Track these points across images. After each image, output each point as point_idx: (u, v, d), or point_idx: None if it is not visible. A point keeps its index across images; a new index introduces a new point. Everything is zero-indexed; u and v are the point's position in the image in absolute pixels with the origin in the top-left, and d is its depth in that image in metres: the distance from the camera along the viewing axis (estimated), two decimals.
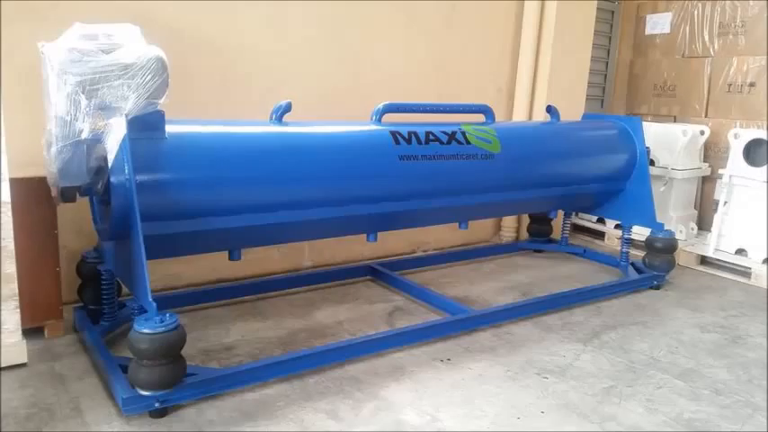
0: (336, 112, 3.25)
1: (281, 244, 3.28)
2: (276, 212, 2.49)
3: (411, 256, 4.03)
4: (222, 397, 2.18)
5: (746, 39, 4.51)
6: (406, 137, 2.80)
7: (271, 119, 2.61)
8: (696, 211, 4.69)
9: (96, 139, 2.06)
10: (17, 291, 2.30)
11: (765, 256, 3.83)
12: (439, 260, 3.97)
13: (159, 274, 3.06)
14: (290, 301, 3.19)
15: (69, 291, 2.72)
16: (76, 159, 2.10)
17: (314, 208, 2.59)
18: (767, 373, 2.58)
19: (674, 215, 4.40)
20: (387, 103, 2.90)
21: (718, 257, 4.04)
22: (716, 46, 4.71)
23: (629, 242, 3.83)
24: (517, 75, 4.40)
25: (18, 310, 2.31)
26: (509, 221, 4.55)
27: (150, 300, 2.00)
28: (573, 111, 4.17)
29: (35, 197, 2.43)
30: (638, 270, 3.69)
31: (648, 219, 3.67)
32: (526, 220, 4.42)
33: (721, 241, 4.05)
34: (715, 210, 4.12)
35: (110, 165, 2.03)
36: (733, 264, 3.96)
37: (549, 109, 3.64)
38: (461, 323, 2.85)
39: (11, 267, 2.27)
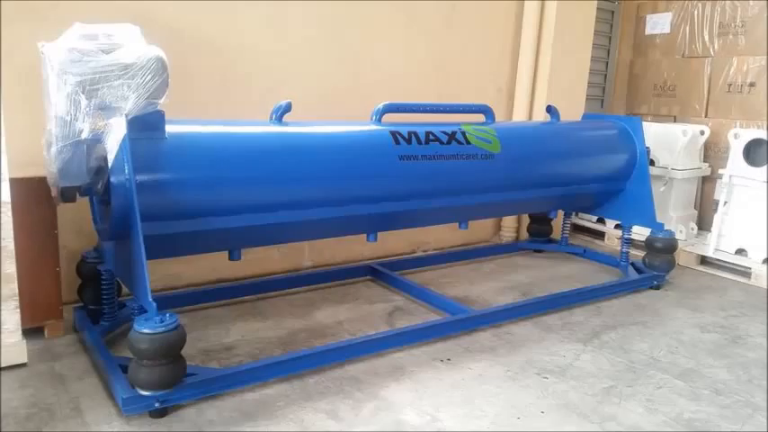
0: (336, 112, 3.25)
1: (281, 244, 3.28)
2: (276, 212, 2.49)
3: (411, 256, 4.03)
4: (222, 397, 2.18)
5: (746, 39, 4.51)
6: (406, 137, 2.80)
7: (271, 119, 2.61)
8: (696, 211, 4.69)
9: (96, 139, 2.06)
10: (17, 291, 2.30)
11: (765, 256, 3.83)
12: (439, 260, 3.97)
13: (159, 274, 3.06)
14: (290, 301, 3.19)
15: (69, 291, 2.72)
16: (76, 159, 2.10)
17: (314, 208, 2.59)
18: (767, 373, 2.59)
19: (674, 215, 4.40)
20: (387, 103, 2.90)
21: (718, 257, 4.04)
22: (716, 46, 4.71)
23: (629, 242, 3.83)
24: (517, 75, 4.40)
25: (18, 310, 2.31)
26: (509, 221, 4.55)
27: (150, 300, 2.00)
28: (573, 111, 4.17)
29: (35, 197, 2.43)
30: (638, 270, 3.69)
31: (648, 219, 3.67)
32: (526, 220, 4.42)
33: (721, 241, 4.05)
34: (715, 210, 4.12)
35: (110, 165, 2.03)
36: (733, 264, 3.96)
37: (549, 109, 3.64)
38: (461, 323, 2.85)
39: (11, 267, 2.27)
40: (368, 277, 3.59)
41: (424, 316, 3.04)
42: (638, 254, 3.98)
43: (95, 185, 2.19)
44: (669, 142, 4.35)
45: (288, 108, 2.60)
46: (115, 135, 2.00)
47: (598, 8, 4.61)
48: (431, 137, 2.87)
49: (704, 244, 4.25)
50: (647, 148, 3.76)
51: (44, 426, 1.97)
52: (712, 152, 4.65)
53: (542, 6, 4.27)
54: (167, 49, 2.10)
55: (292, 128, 2.61)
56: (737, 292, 3.66)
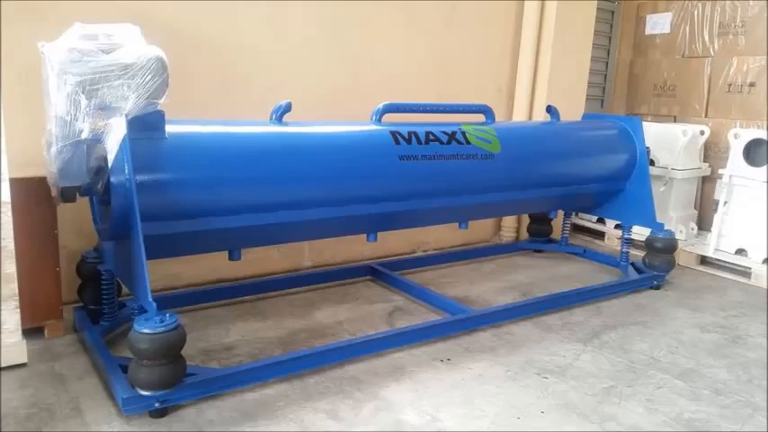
0: (336, 112, 3.25)
1: (281, 244, 3.28)
2: (276, 212, 2.49)
3: (411, 256, 4.03)
4: (222, 397, 2.18)
5: (746, 39, 4.51)
6: (406, 137, 2.80)
7: (271, 119, 2.61)
8: (696, 211, 4.69)
9: (96, 139, 2.06)
10: (17, 291, 2.30)
11: (765, 256, 3.83)
12: (439, 260, 3.97)
13: (159, 274, 3.06)
14: (290, 301, 3.19)
15: (69, 291, 2.72)
16: (76, 159, 2.11)
17: (314, 208, 2.59)
18: (767, 373, 2.58)
19: (674, 215, 4.40)
20: (387, 103, 2.90)
21: (718, 257, 4.04)
22: (716, 46, 4.71)
23: (629, 242, 3.83)
24: (517, 75, 4.40)
25: (18, 310, 2.31)
26: (509, 221, 4.55)
27: (150, 300, 2.00)
28: (573, 111, 4.17)
29: (35, 197, 2.43)
30: (638, 270, 3.69)
31: (648, 219, 3.67)
32: (526, 220, 4.42)
33: (721, 241, 4.05)
34: (715, 210, 4.12)
35: (110, 165, 2.03)
36: (733, 264, 3.96)
37: (549, 109, 3.64)
38: (461, 323, 2.85)
39: (11, 267, 2.27)
40: (368, 277, 3.59)
41: (424, 316, 3.04)
42: (638, 254, 3.98)
43: (95, 185, 2.19)
44: (669, 142, 4.35)
45: (288, 108, 2.60)
46: (115, 135, 2.00)
47: (598, 8, 4.61)
48: (431, 137, 2.87)
49: (704, 244, 4.25)
50: (647, 148, 3.76)
51: (44, 426, 1.97)
52: (712, 152, 4.65)
53: (542, 6, 4.28)
54: (167, 49, 2.10)
55: (292, 128, 2.61)
56: (737, 292, 3.66)
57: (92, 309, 2.64)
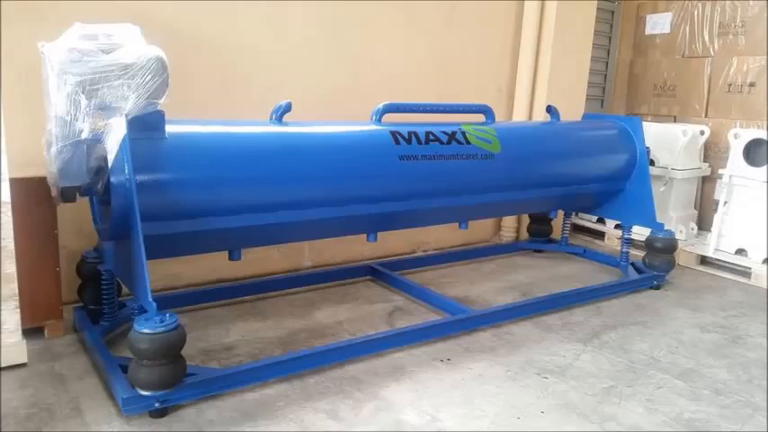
0: (336, 112, 3.25)
1: (281, 244, 3.28)
2: (276, 212, 2.49)
3: (411, 256, 4.03)
4: (222, 397, 2.18)
5: (746, 39, 4.51)
6: (406, 137, 2.80)
7: (271, 119, 2.61)
8: (696, 211, 4.69)
9: (96, 139, 2.06)
10: (17, 291, 2.30)
11: (765, 256, 3.83)
12: (439, 260, 3.97)
13: (159, 274, 3.06)
14: (290, 301, 3.19)
15: (69, 291, 2.72)
16: (76, 159, 2.11)
17: (314, 208, 2.59)
18: (767, 373, 2.58)
19: (674, 215, 4.40)
20: (387, 103, 2.90)
21: (718, 257, 4.04)
22: (716, 46, 4.71)
23: (629, 242, 3.83)
24: (517, 75, 4.40)
25: (18, 310, 2.31)
26: (509, 221, 4.55)
27: (150, 300, 2.00)
28: (573, 111, 4.17)
29: (35, 197, 2.43)
30: (638, 270, 3.69)
31: (648, 219, 3.67)
32: (526, 220, 4.42)
33: (721, 241, 4.05)
34: (715, 210, 4.12)
35: (110, 165, 2.03)
36: (733, 264, 3.96)
37: (549, 109, 3.64)
38: (461, 323, 2.85)
39: (11, 267, 2.27)
40: (368, 277, 3.59)
41: (424, 316, 3.04)
42: (638, 254, 3.98)
43: (95, 185, 2.19)
44: (669, 142, 4.35)
45: (288, 108, 2.60)
46: (115, 135, 2.00)
47: (598, 8, 4.61)
48: (431, 137, 2.87)
49: (704, 244, 4.25)
50: (647, 148, 3.76)
51: (44, 426, 1.97)
52: (712, 152, 4.65)
53: (542, 6, 4.28)
54: (167, 49, 2.10)
55: (292, 128, 2.61)
56: (737, 292, 3.66)
57: (92, 309, 2.64)
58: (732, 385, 2.47)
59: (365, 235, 2.93)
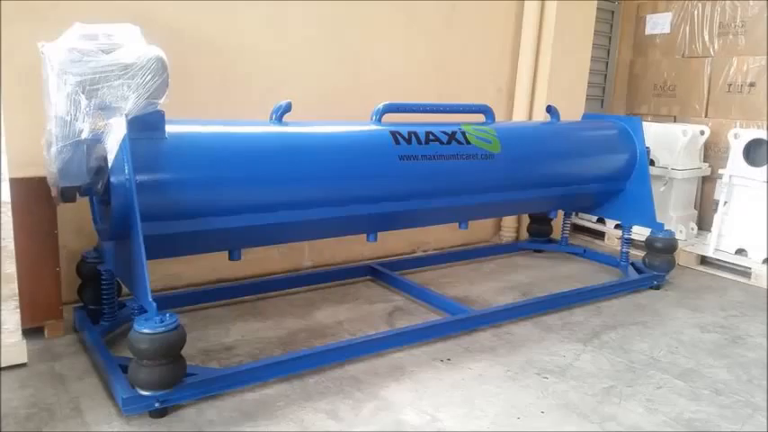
0: (336, 112, 3.25)
1: (281, 244, 3.28)
2: (276, 212, 2.49)
3: (411, 256, 4.03)
4: (222, 397, 2.18)
5: (746, 39, 4.51)
6: (406, 137, 2.80)
7: (271, 119, 2.61)
8: (696, 211, 4.69)
9: (96, 139, 2.06)
10: (17, 291, 2.30)
11: (765, 256, 3.83)
12: (439, 260, 3.97)
13: (159, 274, 3.06)
14: (290, 301, 3.19)
15: (69, 291, 2.72)
16: (76, 159, 2.11)
17: (314, 208, 2.59)
18: (767, 373, 2.58)
19: (674, 215, 4.40)
20: (387, 103, 2.90)
21: (718, 257, 4.04)
22: (716, 46, 4.71)
23: (629, 242, 3.83)
24: (517, 75, 4.40)
25: (18, 310, 2.31)
26: (509, 221, 4.55)
27: (150, 300, 2.00)
28: (573, 111, 4.17)
29: (35, 197, 2.43)
30: (638, 270, 3.69)
31: (648, 219, 3.67)
32: (526, 220, 4.42)
33: (721, 241, 4.05)
34: (715, 210, 4.12)
35: (110, 165, 2.03)
36: (733, 264, 3.96)
37: (549, 109, 3.64)
38: (461, 323, 2.85)
39: (11, 267, 2.27)
40: (368, 277, 3.59)
41: (424, 316, 3.04)
42: (638, 254, 3.98)
43: (95, 185, 2.19)
44: (669, 142, 4.35)
45: (288, 108, 2.60)
46: (115, 135, 2.00)
47: (598, 8, 4.61)
48: (431, 137, 2.87)
49: (704, 244, 4.25)
50: (647, 148, 3.76)
51: (44, 426, 1.97)
52: (712, 152, 4.65)
53: (542, 6, 4.28)
54: (167, 49, 2.10)
55: (292, 128, 2.61)
56: (737, 292, 3.66)
57: (92, 309, 2.64)
58: (732, 385, 2.47)
59: (365, 235, 2.93)
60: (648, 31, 5.23)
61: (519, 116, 4.40)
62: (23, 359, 2.34)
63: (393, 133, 2.79)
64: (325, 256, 3.71)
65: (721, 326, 3.11)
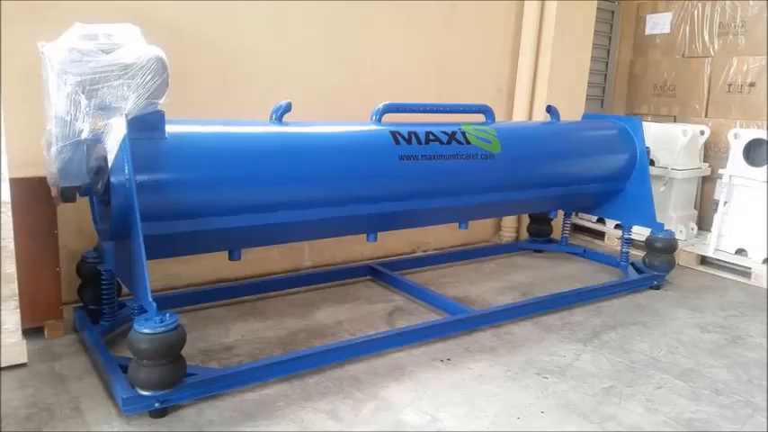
0: (336, 112, 3.25)
1: (281, 244, 3.28)
2: (276, 212, 2.49)
3: (411, 256, 4.03)
4: (222, 397, 2.18)
5: (746, 39, 4.51)
6: (406, 137, 2.80)
7: (271, 119, 2.61)
8: (696, 211, 4.69)
9: (96, 139, 2.06)
10: (17, 291, 2.30)
11: (765, 256, 3.83)
12: (439, 260, 3.97)
13: (159, 274, 3.06)
14: (290, 301, 3.19)
15: (69, 291, 2.72)
16: (76, 159, 2.11)
17: (314, 208, 2.59)
18: (767, 373, 2.58)
19: (674, 215, 4.40)
20: (387, 103, 2.90)
21: (718, 257, 4.04)
22: (716, 46, 4.71)
23: (629, 242, 3.83)
24: (517, 75, 4.40)
25: (18, 310, 2.31)
26: (509, 221, 4.55)
27: (150, 300, 2.00)
28: (573, 111, 4.17)
29: (35, 197, 2.43)
30: (638, 270, 3.69)
31: (648, 219, 3.67)
32: (526, 220, 4.42)
33: (721, 241, 4.05)
34: (715, 210, 4.12)
35: (110, 165, 2.03)
36: (733, 264, 3.96)
37: (549, 109, 3.64)
38: (461, 323, 2.85)
39: (11, 267, 2.27)
40: (368, 277, 3.59)
41: (424, 316, 3.04)
42: (638, 254, 3.98)
43: (95, 185, 2.19)
44: (669, 142, 4.35)
45: (288, 108, 2.60)
46: (115, 135, 2.00)
47: (598, 8, 4.61)
48: (431, 137, 2.87)
49: (704, 244, 4.25)
50: (647, 148, 3.76)
51: (44, 426, 1.97)
52: (712, 152, 4.65)
53: (542, 6, 4.28)
54: (167, 49, 2.10)
55: (292, 128, 2.61)
56: (737, 292, 3.66)
57: (92, 309, 2.64)
58: (732, 385, 2.47)
59: (365, 235, 2.93)
60: (648, 31, 5.23)
61: (519, 116, 4.40)
62: (23, 359, 2.34)
63: (393, 133, 2.79)
64: (325, 256, 3.72)
65: (721, 326, 3.11)
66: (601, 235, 4.74)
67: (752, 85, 4.45)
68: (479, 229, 4.49)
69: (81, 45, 1.98)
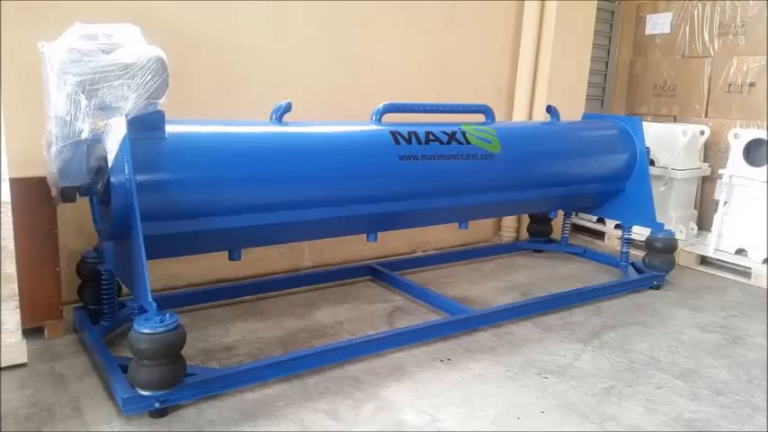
0: (336, 112, 3.25)
1: (281, 244, 3.28)
2: (276, 212, 2.49)
3: (411, 256, 4.03)
4: (222, 397, 2.18)
5: (746, 39, 4.51)
6: (406, 137, 2.80)
7: (271, 119, 2.61)
8: (696, 211, 4.69)
9: (96, 139, 2.06)
10: (17, 291, 2.30)
11: (765, 256, 3.83)
12: (439, 260, 3.97)
13: (159, 274, 3.06)
14: (290, 301, 3.19)
15: (69, 291, 2.72)
16: (76, 159, 2.11)
17: (314, 208, 2.59)
18: (767, 373, 2.58)
19: (674, 215, 4.40)
20: (387, 103, 2.90)
21: (718, 257, 4.04)
22: (716, 46, 4.71)
23: (629, 242, 3.83)
24: (517, 75, 4.40)
25: (18, 310, 2.31)
26: (509, 221, 4.55)
27: (150, 300, 2.00)
28: (573, 111, 4.17)
29: (35, 197, 2.43)
30: (638, 270, 3.69)
31: (648, 219, 3.67)
32: (526, 220, 4.42)
33: (721, 241, 4.05)
34: (715, 210, 4.12)
35: (110, 165, 2.03)
36: (733, 264, 3.96)
37: (549, 109, 3.64)
38: (461, 323, 2.85)
39: (11, 267, 2.27)
40: (368, 277, 3.59)
41: (424, 316, 3.04)
42: (638, 254, 3.98)
43: (95, 185, 2.19)
44: (669, 142, 4.35)
45: (288, 108, 2.60)
46: (115, 135, 2.00)
47: (598, 8, 4.61)
48: (431, 137, 2.87)
49: (704, 244, 4.25)
50: (647, 148, 3.76)
51: (44, 426, 1.97)
52: (712, 152, 4.65)
53: (542, 6, 4.28)
54: (167, 49, 2.10)
55: (292, 128, 2.61)
56: (737, 292, 3.66)
57: (92, 309, 2.64)
58: (732, 385, 2.47)
59: (365, 235, 2.93)
60: (648, 31, 5.23)
61: (519, 116, 4.40)
62: (23, 359, 2.34)
63: (393, 133, 2.79)
64: (325, 256, 3.71)
65: (721, 326, 3.11)
66: (601, 235, 4.74)
67: (752, 85, 4.45)
68: (479, 229, 4.49)
69: (81, 45, 1.98)
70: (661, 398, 2.34)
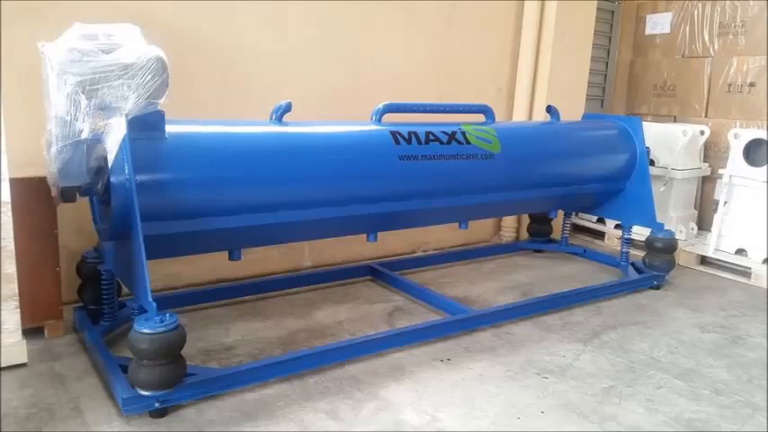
0: (336, 112, 3.25)
1: (281, 244, 3.28)
2: (276, 212, 2.49)
3: (411, 256, 4.03)
4: (222, 397, 2.18)
5: (746, 39, 4.51)
6: (406, 137, 2.80)
7: (271, 119, 2.61)
8: (696, 211, 4.69)
9: (96, 139, 2.06)
10: (17, 291, 2.30)
11: (765, 256, 3.83)
12: (439, 260, 3.97)
13: (159, 274, 3.06)
14: (290, 301, 3.19)
15: (69, 291, 2.72)
16: (76, 159, 2.11)
17: (314, 208, 2.59)
18: (767, 373, 2.58)
19: (674, 215, 4.40)
20: (387, 103, 2.90)
21: (718, 257, 4.04)
22: (716, 46, 4.71)
23: (629, 242, 3.83)
24: (517, 75, 4.40)
25: (18, 310, 2.31)
26: (509, 221, 4.55)
27: (150, 300, 2.01)
28: (573, 111, 4.17)
29: (35, 197, 2.43)
30: (638, 270, 3.69)
31: (648, 219, 3.67)
32: (526, 220, 4.42)
33: (721, 241, 4.05)
34: (715, 210, 4.12)
35: (110, 165, 2.03)
36: (733, 264, 3.96)
37: (549, 109, 3.64)
38: (461, 323, 2.85)
39: (11, 267, 2.27)
40: (368, 277, 3.59)
41: (424, 316, 3.04)
42: (638, 254, 3.98)
43: (95, 185, 2.19)
44: (669, 142, 4.35)
45: (288, 108, 2.60)
46: (115, 135, 2.00)
47: (598, 8, 4.61)
48: (431, 137, 2.87)
49: (704, 244, 4.25)
50: (647, 148, 3.76)
51: (44, 426, 1.97)
52: (712, 152, 4.65)
53: (542, 6, 4.28)
54: (167, 49, 2.10)
55: (292, 128, 2.61)
56: (737, 292, 3.66)
57: (92, 309, 2.64)
58: (732, 385, 2.47)
59: (365, 235, 2.93)
60: (648, 31, 5.23)
61: (519, 116, 4.40)
62: (23, 359, 2.34)
63: (393, 133, 2.79)
64: (325, 256, 3.72)
65: (721, 326, 3.11)
66: (601, 235, 4.74)
67: (752, 85, 4.45)
68: (479, 229, 4.49)
69: (81, 45, 1.98)
70: (661, 398, 2.34)
